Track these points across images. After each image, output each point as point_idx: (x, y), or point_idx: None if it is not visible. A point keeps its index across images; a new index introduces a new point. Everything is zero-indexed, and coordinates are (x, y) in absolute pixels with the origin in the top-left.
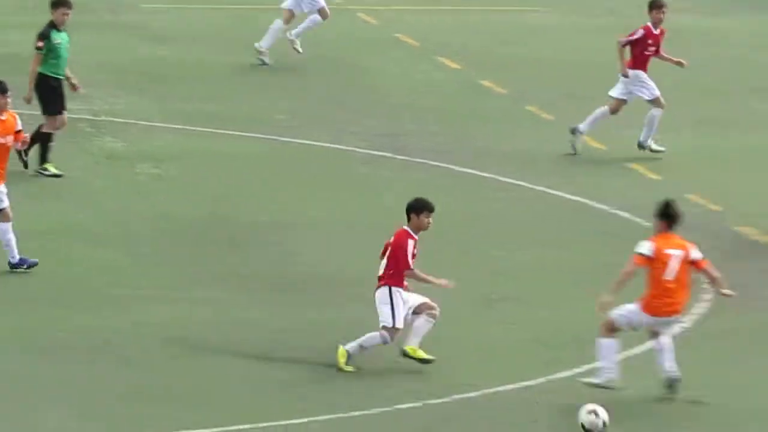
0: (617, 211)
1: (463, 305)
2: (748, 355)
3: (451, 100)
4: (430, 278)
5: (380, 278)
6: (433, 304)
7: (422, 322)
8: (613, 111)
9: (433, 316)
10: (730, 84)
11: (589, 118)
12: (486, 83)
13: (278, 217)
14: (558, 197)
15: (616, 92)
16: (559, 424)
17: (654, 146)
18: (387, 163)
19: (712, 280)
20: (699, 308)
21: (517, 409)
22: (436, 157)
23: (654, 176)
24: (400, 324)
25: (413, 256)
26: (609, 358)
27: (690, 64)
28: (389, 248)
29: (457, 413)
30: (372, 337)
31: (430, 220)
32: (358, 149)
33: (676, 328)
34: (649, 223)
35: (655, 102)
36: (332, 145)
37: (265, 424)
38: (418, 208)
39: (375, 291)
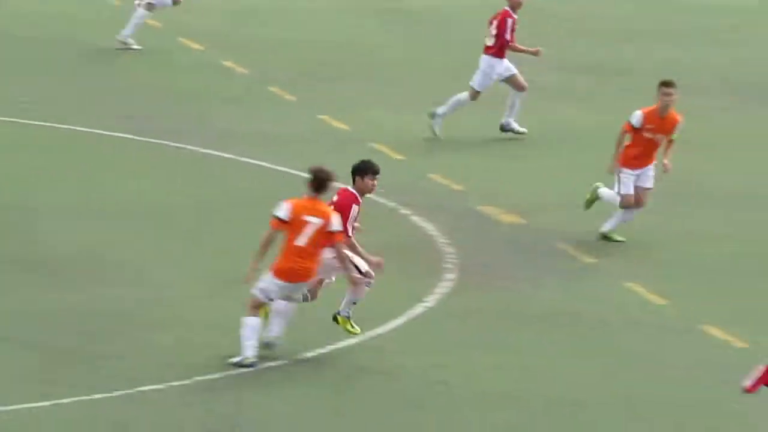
0: None
1: (199, 286)
2: (492, 334)
3: (193, 80)
4: (364, 253)
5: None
6: (370, 270)
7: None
8: (473, 97)
9: (368, 283)
10: (459, 62)
11: (451, 102)
12: (228, 63)
13: (20, 200)
14: (300, 177)
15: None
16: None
17: (517, 128)
18: (129, 144)
19: (340, 259)
20: (442, 287)
21: (258, 388)
22: (178, 138)
23: (398, 156)
24: (365, 267)
25: (354, 227)
26: (251, 337)
27: (426, 45)
28: (333, 206)
29: (199, 395)
30: (355, 291)
31: (376, 182)
32: (101, 131)
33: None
34: (393, 203)
35: (512, 82)
36: (74, 128)
37: (7, 408)
38: (363, 169)
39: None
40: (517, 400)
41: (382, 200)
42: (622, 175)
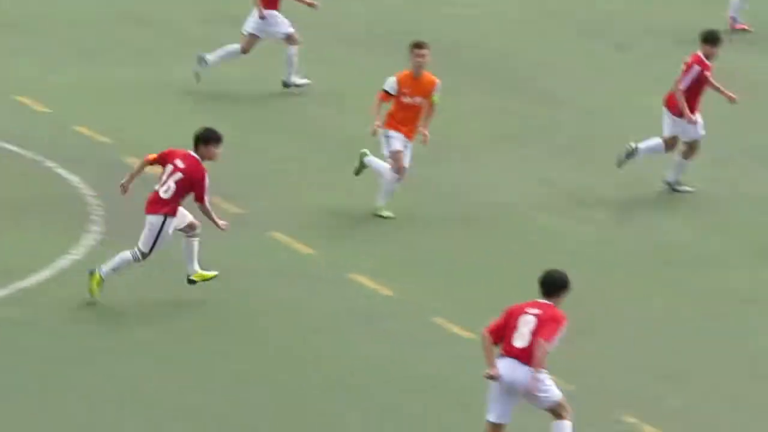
0: (5, 144)
1: None
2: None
3: None
4: (213, 217)
5: (161, 202)
6: (196, 222)
7: (191, 244)
8: (244, 50)
9: (196, 236)
10: (101, 14)
11: (219, 52)
12: None
13: None
14: None
15: (248, 27)
16: None
17: (298, 81)
18: None
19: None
20: (88, 239)
21: None
22: None
23: (42, 108)
24: (152, 254)
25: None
26: None
27: None
28: (179, 173)
29: None
30: (124, 259)
31: (220, 150)
32: None
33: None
34: (39, 156)
35: (289, 40)
36: None
37: None
38: (206, 138)
39: (148, 210)
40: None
41: (26, 152)
42: (389, 136)
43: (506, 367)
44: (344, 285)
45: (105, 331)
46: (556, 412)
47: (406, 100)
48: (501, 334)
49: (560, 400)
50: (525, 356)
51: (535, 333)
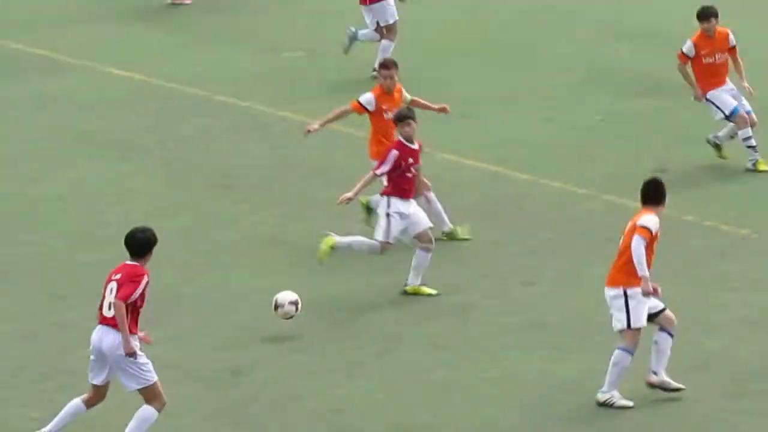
0: None
1: None
2: None
3: None
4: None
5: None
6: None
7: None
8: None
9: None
10: None
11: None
12: None
13: None
14: None
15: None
16: None
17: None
18: None
19: None
20: None
21: None
22: None
23: None
24: (391, 239)
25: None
26: None
27: None
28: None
29: None
30: (364, 242)
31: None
32: None
33: None
34: None
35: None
36: None
37: None
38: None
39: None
40: None
41: None
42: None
43: (96, 333)
44: None
45: None
46: (147, 397)
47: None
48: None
49: (153, 385)
50: (113, 322)
51: (116, 297)
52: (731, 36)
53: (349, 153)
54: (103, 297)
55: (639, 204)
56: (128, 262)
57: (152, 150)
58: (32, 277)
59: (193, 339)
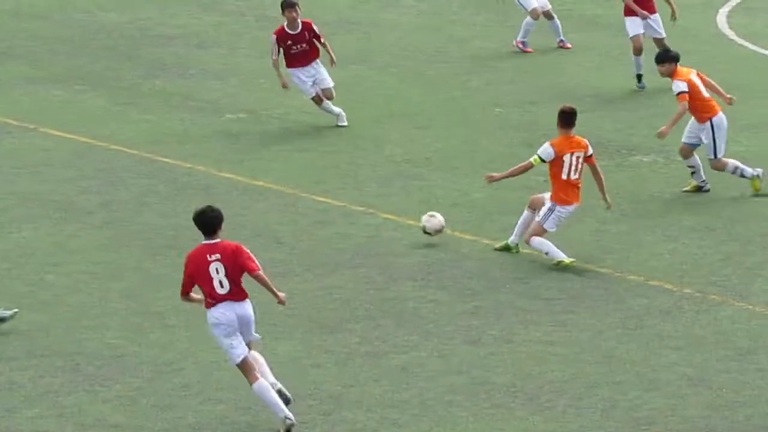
0: None
1: None
2: None
3: None
4: None
5: None
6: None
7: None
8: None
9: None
10: None
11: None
12: None
13: None
14: None
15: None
16: None
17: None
18: None
19: None
20: None
21: None
22: None
23: None
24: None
25: None
26: None
27: None
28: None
29: None
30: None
31: None
32: None
33: None
34: None
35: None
36: None
37: None
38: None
39: None
40: None
41: None
42: None
43: (224, 309)
44: None
45: None
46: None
47: None
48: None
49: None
50: (231, 296)
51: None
52: None
53: (290, 214)
54: (211, 279)
55: (580, 264)
56: (208, 242)
57: (95, 212)
58: None
59: (137, 399)
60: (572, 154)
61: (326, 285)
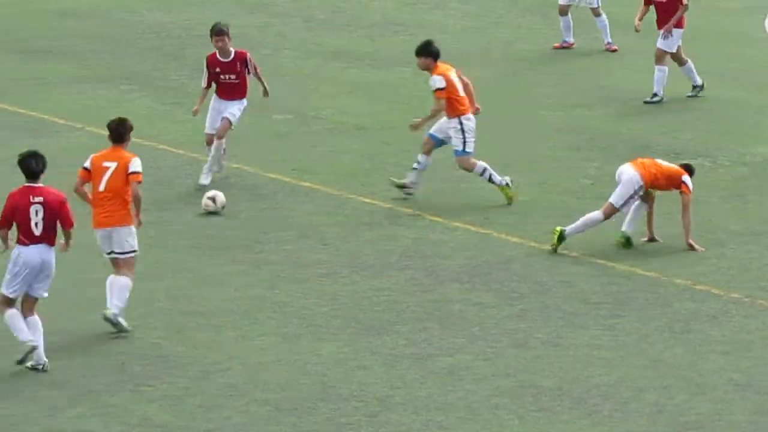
0: None
1: None
2: None
3: None
4: None
5: None
6: None
7: None
8: None
9: None
10: None
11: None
12: None
13: None
14: None
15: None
16: None
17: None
18: None
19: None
20: None
21: None
22: None
23: None
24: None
25: None
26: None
27: None
28: None
29: None
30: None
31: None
32: None
33: None
34: None
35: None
36: None
37: None
38: None
39: None
40: None
41: None
42: None
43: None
44: None
45: None
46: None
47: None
48: None
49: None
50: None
51: None
52: None
53: (336, 216)
54: (29, 219)
55: (627, 267)
56: (31, 185)
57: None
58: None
59: (183, 399)
60: None
61: (372, 287)
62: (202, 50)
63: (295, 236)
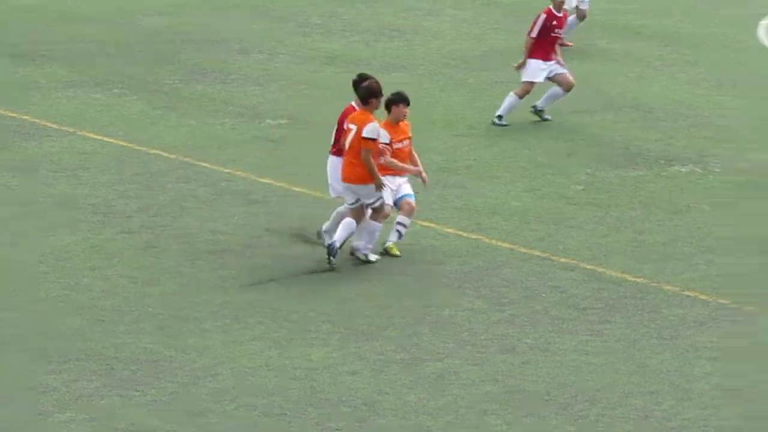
0: None
1: None
2: None
3: None
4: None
5: None
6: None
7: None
8: None
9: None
10: None
11: None
12: None
13: None
14: None
15: None
16: None
17: None
18: None
19: None
20: None
21: None
22: None
23: None
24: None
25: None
26: None
27: None
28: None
29: None
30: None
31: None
32: None
33: None
34: None
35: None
36: None
37: None
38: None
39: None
40: None
41: None
42: None
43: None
44: None
45: None
46: None
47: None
48: None
49: None
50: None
51: None
52: None
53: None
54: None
55: (617, 273)
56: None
57: (133, 216)
58: (12, 344)
59: (172, 404)
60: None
61: (363, 292)
62: (197, 55)
63: (286, 241)
